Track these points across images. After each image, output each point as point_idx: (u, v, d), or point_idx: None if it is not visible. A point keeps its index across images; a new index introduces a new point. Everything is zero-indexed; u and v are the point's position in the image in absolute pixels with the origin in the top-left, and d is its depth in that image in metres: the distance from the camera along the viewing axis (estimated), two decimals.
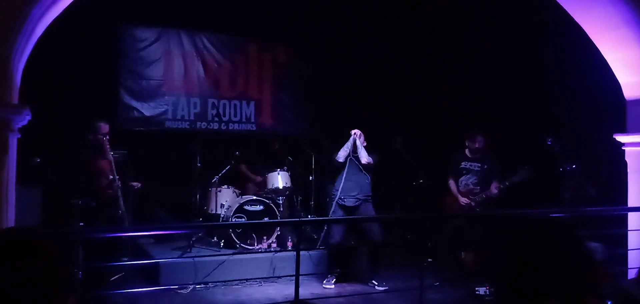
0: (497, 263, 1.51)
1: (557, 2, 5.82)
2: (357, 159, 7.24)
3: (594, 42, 5.93)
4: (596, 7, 5.65)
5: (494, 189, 7.00)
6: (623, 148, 5.96)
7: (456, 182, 7.36)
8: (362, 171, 7.22)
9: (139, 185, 6.64)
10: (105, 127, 6.50)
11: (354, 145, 7.25)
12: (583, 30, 5.92)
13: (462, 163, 7.35)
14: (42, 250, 1.39)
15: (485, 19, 9.16)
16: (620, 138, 5.93)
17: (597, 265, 1.45)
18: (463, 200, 7.21)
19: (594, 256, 1.48)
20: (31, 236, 1.43)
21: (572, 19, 5.90)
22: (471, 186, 7.26)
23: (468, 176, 7.31)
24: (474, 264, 6.79)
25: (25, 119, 4.43)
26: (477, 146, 7.28)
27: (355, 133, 7.30)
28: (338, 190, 7.22)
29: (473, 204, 7.18)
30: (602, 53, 5.94)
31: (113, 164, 6.50)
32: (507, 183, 6.94)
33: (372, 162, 7.20)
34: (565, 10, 5.86)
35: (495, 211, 7.29)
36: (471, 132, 7.35)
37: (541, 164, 7.02)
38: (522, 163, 6.94)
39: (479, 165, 7.29)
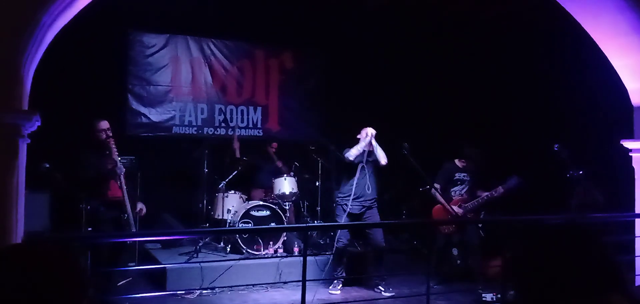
0: (519, 266, 1.55)
1: (564, 9, 5.82)
2: (369, 163, 7.17)
3: (602, 48, 5.92)
4: (603, 14, 5.65)
5: (499, 189, 7.16)
6: (630, 154, 5.94)
7: (444, 189, 7.49)
8: (371, 176, 7.16)
9: (144, 210, 6.62)
10: (103, 124, 6.47)
11: (369, 145, 7.08)
12: (590, 37, 5.91)
13: (457, 174, 7.58)
14: (54, 260, 1.41)
15: (493, 26, 9.17)
16: (628, 144, 5.91)
17: (616, 262, 1.49)
18: (458, 210, 7.32)
19: (613, 254, 1.51)
20: (43, 247, 1.45)
21: (579, 26, 5.89)
22: (464, 195, 7.49)
23: (462, 186, 7.55)
24: (499, 270, 6.84)
25: (34, 125, 4.46)
26: (472, 162, 7.55)
27: (371, 133, 7.09)
28: (344, 195, 7.20)
29: (462, 212, 7.34)
30: (610, 60, 5.93)
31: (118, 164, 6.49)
32: (505, 186, 7.14)
33: (387, 162, 7.18)
34: (572, 17, 5.86)
35: (498, 217, 7.35)
36: (469, 152, 7.57)
37: (548, 170, 7.02)
38: (511, 173, 7.16)
39: (469, 175, 7.56)
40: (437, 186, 7.44)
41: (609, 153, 6.42)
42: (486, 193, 7.25)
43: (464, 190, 7.51)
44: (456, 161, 7.62)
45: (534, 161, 7.83)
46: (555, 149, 6.61)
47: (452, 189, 7.52)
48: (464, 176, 7.55)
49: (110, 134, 6.40)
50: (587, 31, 5.89)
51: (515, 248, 1.59)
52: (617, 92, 6.07)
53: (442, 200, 7.36)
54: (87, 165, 6.34)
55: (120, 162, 6.33)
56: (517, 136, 8.71)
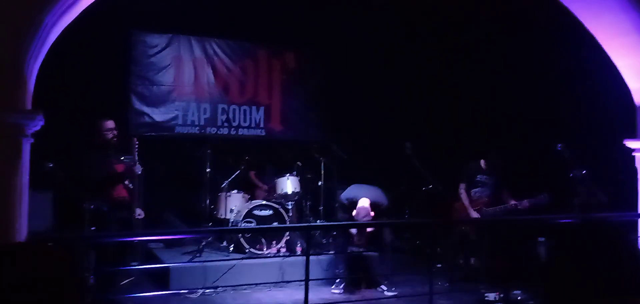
0: (548, 265, 1.53)
1: (567, 8, 5.81)
2: None
3: (604, 48, 5.91)
4: (606, 13, 5.64)
5: (525, 202, 7.13)
6: (633, 154, 5.93)
7: (467, 189, 7.57)
8: None
9: (143, 215, 6.65)
10: (108, 124, 6.51)
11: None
12: (593, 36, 5.90)
13: (479, 176, 7.58)
14: (52, 258, 1.43)
15: (495, 25, 9.16)
16: (631, 144, 5.91)
17: None
18: (474, 214, 7.39)
19: None
20: (44, 247, 1.47)
21: (582, 26, 5.89)
22: (484, 198, 7.49)
23: (483, 189, 7.54)
24: (502, 270, 6.86)
25: (38, 124, 4.48)
26: (493, 168, 7.53)
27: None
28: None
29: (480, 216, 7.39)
30: (612, 59, 5.93)
31: (127, 166, 6.52)
32: (532, 201, 7.08)
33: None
34: (575, 16, 5.85)
35: (501, 217, 7.36)
36: (493, 156, 7.56)
37: (551, 170, 7.01)
38: (541, 189, 7.08)
39: (492, 178, 7.53)
40: (463, 185, 7.55)
41: (612, 153, 6.41)
42: (512, 202, 7.23)
43: (486, 193, 7.49)
44: (482, 161, 7.63)
45: (537, 160, 7.83)
46: (558, 149, 6.61)
47: (473, 190, 7.55)
48: (485, 178, 7.54)
49: (116, 134, 6.45)
50: (590, 31, 5.89)
51: (545, 248, 1.57)
52: (620, 91, 6.07)
53: (466, 200, 7.47)
54: (93, 166, 6.37)
55: (138, 162, 6.37)
56: (520, 135, 8.69)
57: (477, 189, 7.55)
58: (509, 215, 7.22)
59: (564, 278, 1.49)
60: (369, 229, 7.18)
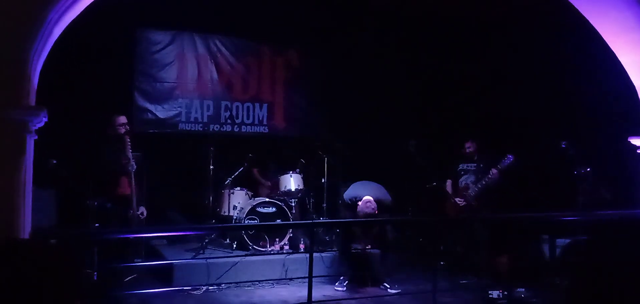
0: (579, 260, 1.50)
1: (572, 5, 5.79)
2: None
3: (609, 45, 5.89)
4: (611, 10, 5.62)
5: (493, 171, 7.41)
6: (638, 151, 5.91)
7: (454, 183, 7.91)
8: None
9: (145, 213, 6.66)
10: (121, 119, 6.54)
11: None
12: (598, 33, 5.88)
13: (460, 166, 7.93)
14: (55, 255, 1.42)
15: (501, 23, 9.13)
16: (635, 141, 5.88)
17: None
18: (457, 199, 7.69)
19: None
20: (45, 242, 1.46)
21: (587, 22, 5.86)
22: (470, 184, 7.73)
23: (467, 175, 7.83)
24: (506, 267, 6.89)
25: (42, 121, 4.48)
26: (468, 151, 7.89)
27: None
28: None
29: (465, 202, 7.66)
30: (617, 56, 5.90)
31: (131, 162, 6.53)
32: (499, 166, 7.38)
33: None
34: (580, 13, 5.83)
35: (504, 215, 7.39)
36: (461, 143, 7.96)
37: (556, 168, 7.00)
38: (506, 152, 7.43)
39: (475, 165, 7.80)
40: (449, 182, 7.83)
41: (617, 150, 6.39)
42: (493, 170, 7.44)
43: (471, 179, 7.70)
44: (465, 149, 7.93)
45: (542, 158, 7.82)
46: (563, 146, 6.61)
47: (459, 181, 7.83)
48: (467, 166, 7.81)
49: (128, 129, 6.47)
50: (595, 27, 5.87)
51: (575, 244, 1.54)
52: (625, 88, 6.04)
53: (449, 192, 7.77)
54: (105, 159, 6.39)
55: (133, 159, 6.38)
56: (525, 133, 8.68)
57: (461, 179, 7.85)
58: (491, 191, 7.46)
59: (600, 277, 1.45)
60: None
